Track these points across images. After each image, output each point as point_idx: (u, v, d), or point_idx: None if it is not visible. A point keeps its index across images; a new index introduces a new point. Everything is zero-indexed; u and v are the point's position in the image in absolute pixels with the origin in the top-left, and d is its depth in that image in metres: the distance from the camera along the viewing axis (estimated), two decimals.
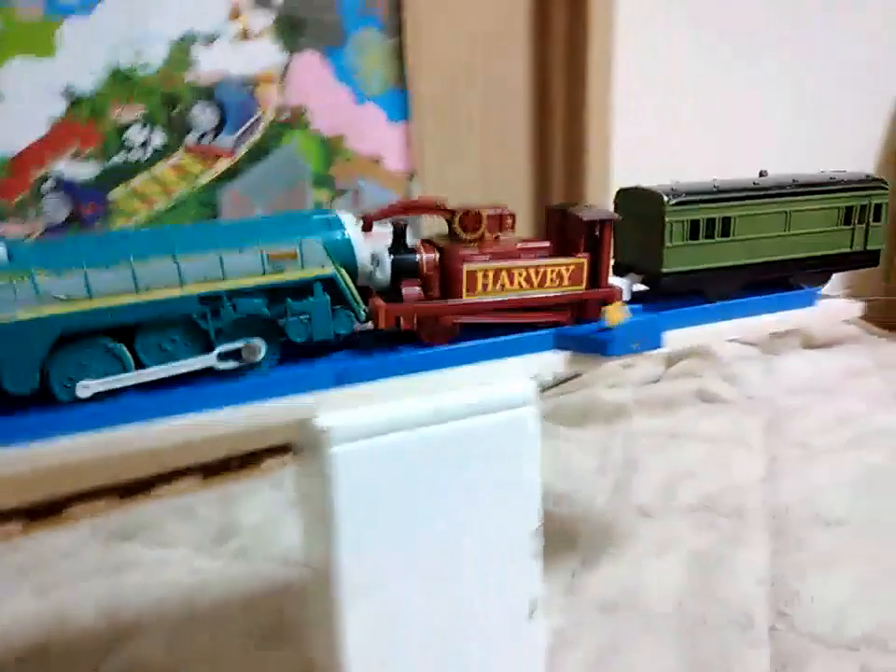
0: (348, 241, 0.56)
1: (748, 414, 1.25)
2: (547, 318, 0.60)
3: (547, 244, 0.59)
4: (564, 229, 0.60)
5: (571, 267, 0.59)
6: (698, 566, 0.87)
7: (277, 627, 0.79)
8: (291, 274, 0.54)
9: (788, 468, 1.09)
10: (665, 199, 0.64)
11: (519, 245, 0.58)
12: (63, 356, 0.49)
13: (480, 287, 0.57)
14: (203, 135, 1.05)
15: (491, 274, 0.57)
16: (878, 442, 1.13)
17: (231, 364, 0.53)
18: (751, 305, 0.68)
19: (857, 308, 0.73)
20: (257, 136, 1.08)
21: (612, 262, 0.64)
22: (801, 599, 0.81)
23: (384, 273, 0.56)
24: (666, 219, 0.64)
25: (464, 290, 0.57)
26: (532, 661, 0.61)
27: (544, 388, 1.30)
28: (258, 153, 1.08)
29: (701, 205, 0.66)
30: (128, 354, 0.50)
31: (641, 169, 1.36)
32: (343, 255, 0.55)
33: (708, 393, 1.30)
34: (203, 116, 1.05)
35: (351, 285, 0.56)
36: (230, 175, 1.06)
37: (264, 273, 0.53)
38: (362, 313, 0.56)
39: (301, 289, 0.54)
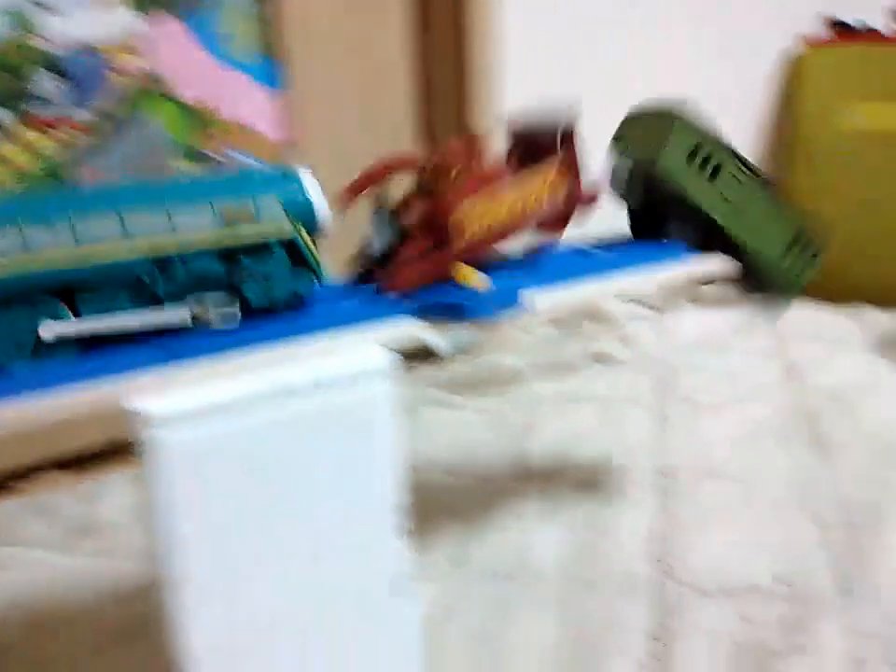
0: (307, 198, 0.53)
1: (640, 374, 1.26)
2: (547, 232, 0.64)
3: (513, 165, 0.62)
4: (530, 146, 0.63)
5: (550, 178, 0.62)
6: (586, 528, 0.88)
7: (135, 626, 0.75)
8: (247, 233, 0.50)
9: (677, 425, 1.11)
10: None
11: (495, 172, 0.59)
12: (2, 318, 0.45)
13: (476, 227, 0.58)
14: (51, 108, 0.96)
15: (482, 211, 0.58)
16: (763, 397, 1.16)
17: (186, 321, 0.50)
18: (623, 261, 0.67)
19: (731, 265, 0.73)
20: (114, 108, 1.00)
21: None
22: (684, 554, 0.83)
23: (382, 241, 0.58)
24: (675, 125, 0.68)
25: (465, 234, 0.57)
26: (404, 640, 0.59)
27: (433, 359, 1.28)
28: (116, 126, 1.01)
29: (705, 139, 0.70)
30: (70, 315, 0.47)
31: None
32: (302, 213, 0.53)
33: (603, 354, 1.31)
34: (52, 87, 0.96)
35: (311, 244, 0.53)
36: (85, 149, 0.99)
37: (218, 232, 0.49)
38: (323, 273, 0.54)
39: (258, 249, 0.51)
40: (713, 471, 0.98)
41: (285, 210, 0.52)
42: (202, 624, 0.48)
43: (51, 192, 0.51)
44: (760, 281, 0.75)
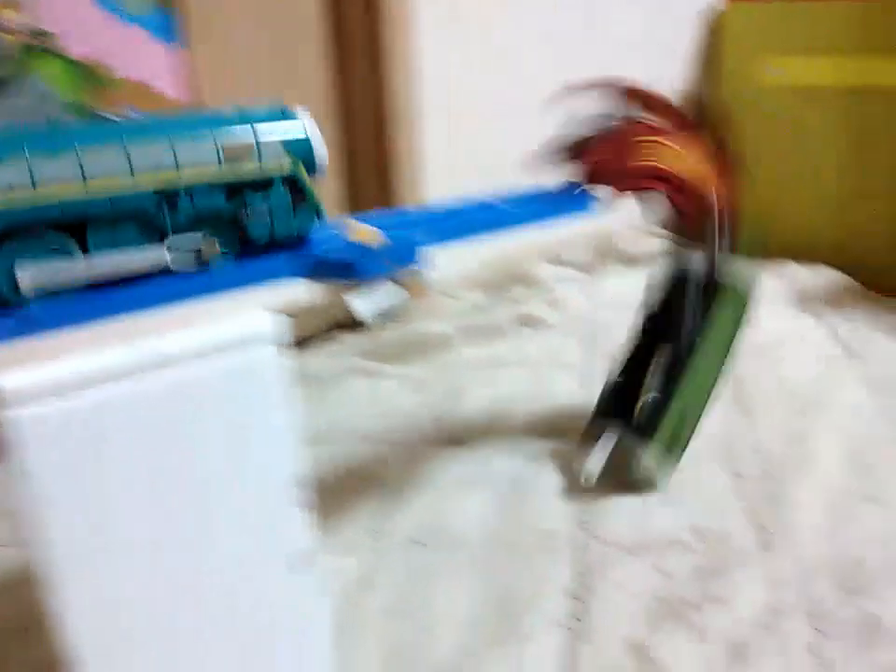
0: (303, 133, 0.54)
1: (568, 336, 1.25)
2: None
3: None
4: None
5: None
6: (508, 491, 0.87)
7: (26, 617, 0.71)
8: (249, 169, 0.52)
9: (600, 383, 1.10)
10: None
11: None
12: (8, 252, 0.45)
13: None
14: None
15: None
16: None
17: (183, 260, 0.50)
18: (527, 215, 0.65)
19: (638, 216, 0.72)
20: None
21: None
22: (606, 512, 0.82)
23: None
24: None
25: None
26: (308, 618, 0.56)
27: (358, 327, 1.25)
28: (0, 85, 0.93)
29: None
30: (79, 251, 0.47)
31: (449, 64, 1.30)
32: (301, 150, 0.54)
33: (532, 318, 1.30)
34: None
35: (309, 180, 0.54)
36: None
37: (220, 167, 0.51)
38: (323, 210, 0.55)
39: (260, 185, 0.52)
40: None
41: (285, 148, 0.53)
42: (81, 612, 0.45)
43: (56, 125, 0.49)
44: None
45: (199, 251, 0.51)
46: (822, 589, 0.69)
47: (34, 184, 0.45)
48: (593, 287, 1.44)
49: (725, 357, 0.84)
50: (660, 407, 0.83)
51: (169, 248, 0.50)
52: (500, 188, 0.72)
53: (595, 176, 0.71)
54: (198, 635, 0.51)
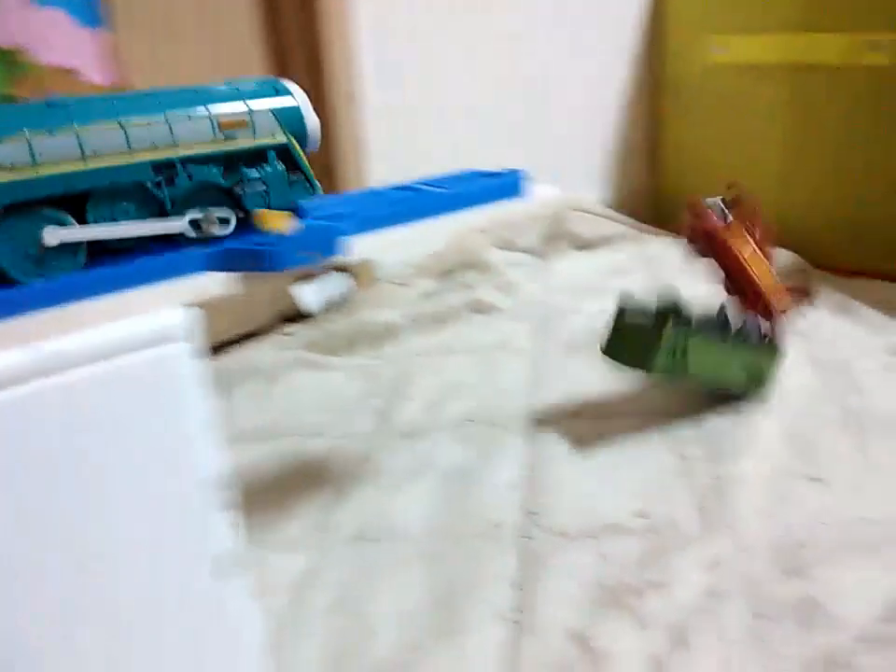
0: (297, 108, 0.56)
1: (519, 321, 1.24)
2: None
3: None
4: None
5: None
6: (455, 482, 0.85)
7: None
8: (244, 142, 0.53)
9: (551, 368, 1.10)
10: None
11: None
12: (10, 228, 0.46)
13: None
14: None
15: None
16: None
17: (189, 232, 0.51)
18: (455, 199, 0.63)
19: (565, 197, 0.70)
20: None
21: None
22: (551, 499, 0.82)
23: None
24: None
25: None
26: (235, 625, 0.54)
27: (304, 319, 1.22)
28: None
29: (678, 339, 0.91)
30: (75, 223, 0.48)
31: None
32: (293, 123, 0.55)
33: (482, 304, 1.28)
34: None
35: (302, 153, 0.56)
36: None
37: (215, 141, 0.52)
38: (317, 182, 0.56)
39: (255, 158, 0.54)
40: (583, 413, 0.97)
41: (277, 121, 0.54)
42: None
43: (53, 102, 0.49)
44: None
45: (199, 224, 0.52)
46: (762, 571, 0.69)
47: (34, 161, 0.45)
48: (545, 271, 1.43)
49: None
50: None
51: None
52: (436, 173, 0.70)
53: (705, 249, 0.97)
54: (113, 652, 0.49)
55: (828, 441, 0.87)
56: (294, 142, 0.55)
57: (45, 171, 0.46)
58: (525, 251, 1.47)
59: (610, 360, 0.95)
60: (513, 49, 1.53)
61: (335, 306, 1.25)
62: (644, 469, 0.85)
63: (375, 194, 0.63)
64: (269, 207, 0.54)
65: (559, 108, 1.63)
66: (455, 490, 0.84)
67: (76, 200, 0.48)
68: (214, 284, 0.50)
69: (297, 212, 0.56)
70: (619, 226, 1.57)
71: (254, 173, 0.53)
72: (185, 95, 0.52)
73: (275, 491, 0.86)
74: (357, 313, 1.24)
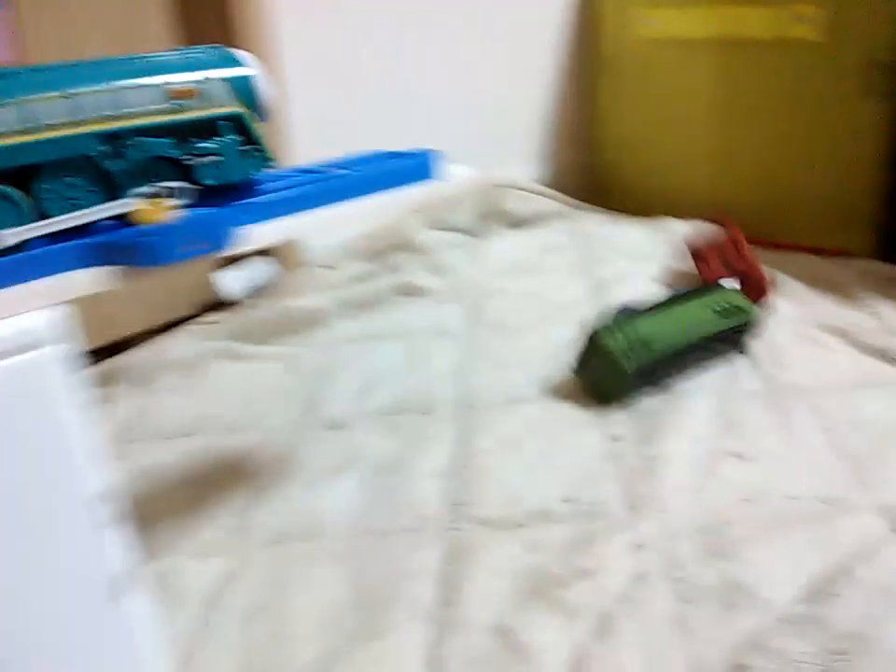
0: (250, 78, 0.54)
1: (450, 304, 1.22)
2: None
3: None
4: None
5: None
6: (381, 475, 0.83)
7: None
8: (195, 112, 0.51)
9: (481, 352, 1.08)
10: None
11: None
12: None
13: None
14: None
15: None
16: (565, 316, 1.14)
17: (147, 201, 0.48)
18: (362, 184, 0.59)
19: (482, 177, 0.67)
20: None
21: None
22: (479, 489, 0.80)
23: None
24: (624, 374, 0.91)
25: None
26: (133, 648, 0.51)
27: (226, 306, 1.17)
28: None
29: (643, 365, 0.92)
30: (27, 199, 0.46)
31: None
32: (246, 93, 0.54)
33: (413, 286, 1.25)
34: None
35: (256, 124, 0.54)
36: None
37: (165, 111, 0.50)
38: (271, 153, 0.55)
39: (207, 130, 0.52)
40: (513, 398, 0.95)
41: (231, 92, 0.52)
42: None
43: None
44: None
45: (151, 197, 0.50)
46: (687, 553, 0.68)
47: None
48: (478, 251, 1.41)
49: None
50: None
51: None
52: (345, 155, 0.67)
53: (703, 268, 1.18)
54: None
55: (752, 416, 0.87)
56: (248, 113, 0.54)
57: None
58: (457, 231, 1.44)
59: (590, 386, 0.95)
60: (444, 25, 1.49)
61: (259, 292, 1.20)
62: (573, 454, 0.84)
63: (276, 178, 0.59)
64: (222, 179, 0.53)
65: (492, 85, 1.60)
66: (381, 483, 0.82)
67: (21, 174, 0.46)
68: (89, 280, 0.46)
69: (249, 185, 0.55)
70: (554, 203, 1.55)
71: (206, 144, 0.52)
72: (132, 64, 0.50)
73: (192, 492, 0.82)
74: (282, 299, 1.19)
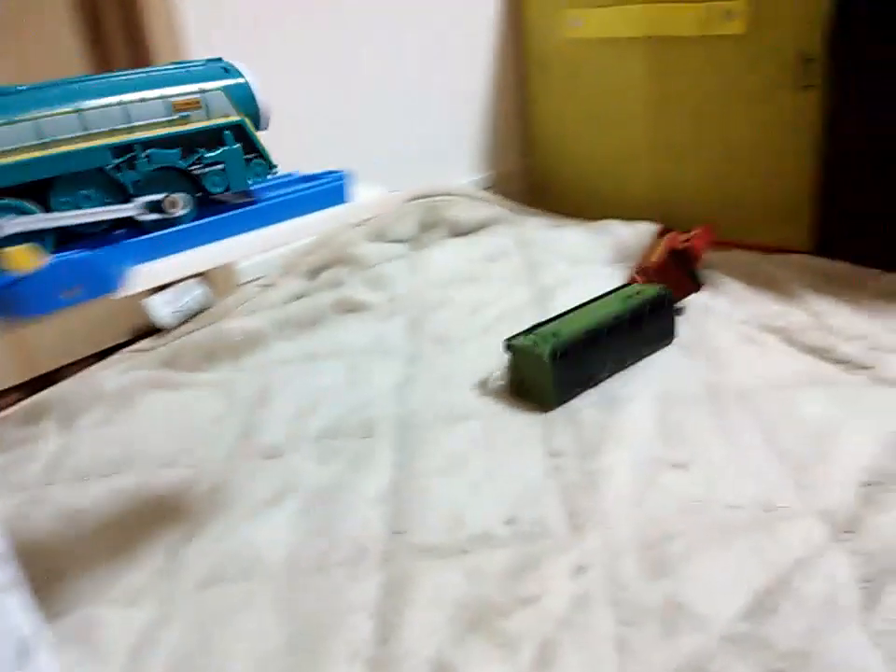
0: (247, 86, 0.57)
1: (391, 318, 1.19)
2: None
3: None
4: None
5: None
6: (318, 505, 0.80)
7: None
8: (198, 123, 0.54)
9: (424, 367, 1.05)
10: None
11: None
12: None
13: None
14: None
15: None
16: (509, 325, 1.12)
17: (152, 216, 0.51)
18: (270, 213, 0.57)
19: (395, 196, 0.65)
20: None
21: None
22: (420, 513, 0.77)
23: None
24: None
25: None
26: None
27: (156, 333, 1.13)
28: None
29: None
30: (43, 211, 0.47)
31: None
32: (245, 101, 0.56)
33: (353, 302, 1.22)
34: None
35: (255, 132, 0.57)
36: None
37: (171, 122, 0.53)
38: (273, 160, 0.58)
39: (211, 140, 0.54)
40: (455, 414, 0.93)
41: (231, 102, 0.55)
42: None
43: (5, 89, 0.48)
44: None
45: (161, 208, 0.52)
46: (629, 572, 0.67)
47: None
48: (420, 262, 1.38)
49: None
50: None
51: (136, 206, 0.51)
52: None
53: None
54: None
55: (692, 422, 0.87)
56: (249, 122, 0.56)
57: (5, 159, 0.45)
58: (398, 242, 1.42)
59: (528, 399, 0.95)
60: (377, 35, 1.46)
61: (193, 316, 1.16)
62: (515, 471, 0.82)
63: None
64: (228, 187, 0.55)
65: (427, 92, 1.58)
66: (317, 514, 0.79)
67: (37, 188, 0.48)
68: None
69: (250, 193, 0.57)
70: (495, 209, 1.54)
71: (212, 154, 0.54)
72: (134, 78, 0.53)
73: (117, 534, 0.78)
74: (217, 321, 1.15)
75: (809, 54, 1.30)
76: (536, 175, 1.76)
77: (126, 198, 0.51)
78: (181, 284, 1.15)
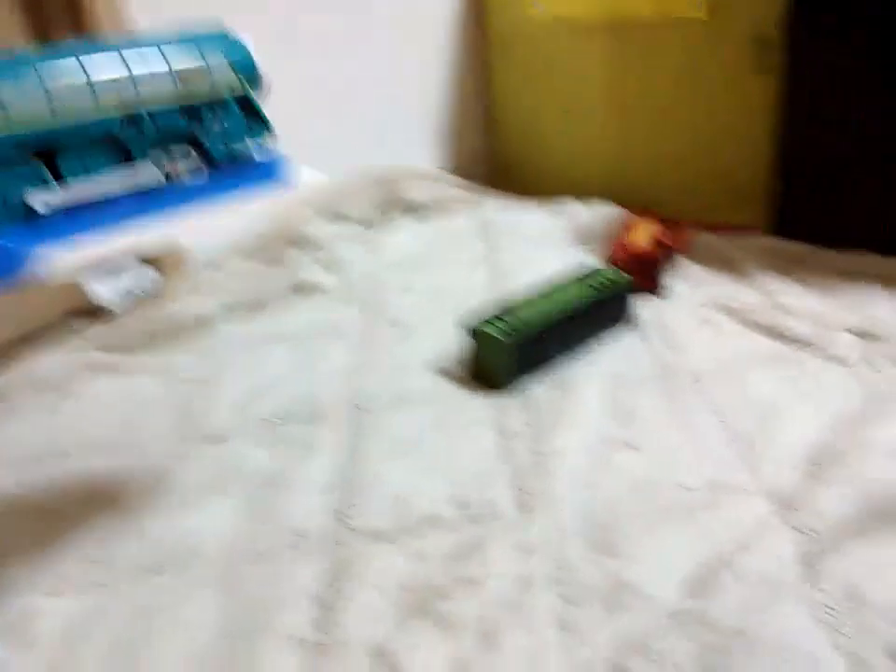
0: (247, 53, 0.58)
1: (344, 301, 1.17)
2: None
3: None
4: None
5: None
6: (262, 491, 0.78)
7: None
8: (202, 89, 0.55)
9: (377, 351, 1.03)
10: None
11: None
12: None
13: None
14: None
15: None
16: (466, 308, 1.09)
17: (158, 178, 0.53)
18: (206, 194, 0.54)
19: (335, 180, 0.63)
20: None
21: None
22: (365, 496, 0.76)
23: None
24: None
25: None
26: None
27: (100, 315, 1.09)
28: None
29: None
30: (52, 179, 0.49)
31: None
32: (245, 68, 0.58)
33: (305, 284, 1.19)
34: None
35: (256, 98, 0.58)
36: None
37: (176, 89, 0.53)
38: (272, 126, 0.60)
39: (216, 106, 0.56)
40: (407, 398, 0.92)
41: (231, 67, 0.56)
42: None
43: (17, 56, 0.49)
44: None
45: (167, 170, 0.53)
46: (575, 553, 0.66)
47: (6, 113, 0.46)
48: (376, 244, 1.36)
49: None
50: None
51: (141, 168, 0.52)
52: None
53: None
54: None
55: (644, 402, 0.86)
56: (248, 87, 0.58)
57: (18, 122, 0.46)
58: (354, 222, 1.39)
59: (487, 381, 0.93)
60: (330, 9, 1.42)
61: (138, 298, 1.12)
62: (467, 454, 0.81)
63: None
64: (230, 152, 0.57)
65: (388, 71, 1.55)
66: (261, 500, 0.76)
67: (48, 152, 0.48)
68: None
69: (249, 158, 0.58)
70: (454, 190, 1.52)
71: (215, 119, 0.56)
72: (143, 44, 0.53)
73: (53, 522, 0.75)
74: (164, 304, 1.12)
75: (767, 38, 1.29)
76: (497, 157, 1.74)
77: (131, 161, 0.52)
78: (126, 265, 1.11)
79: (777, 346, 0.96)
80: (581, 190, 1.46)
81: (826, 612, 0.58)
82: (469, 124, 1.73)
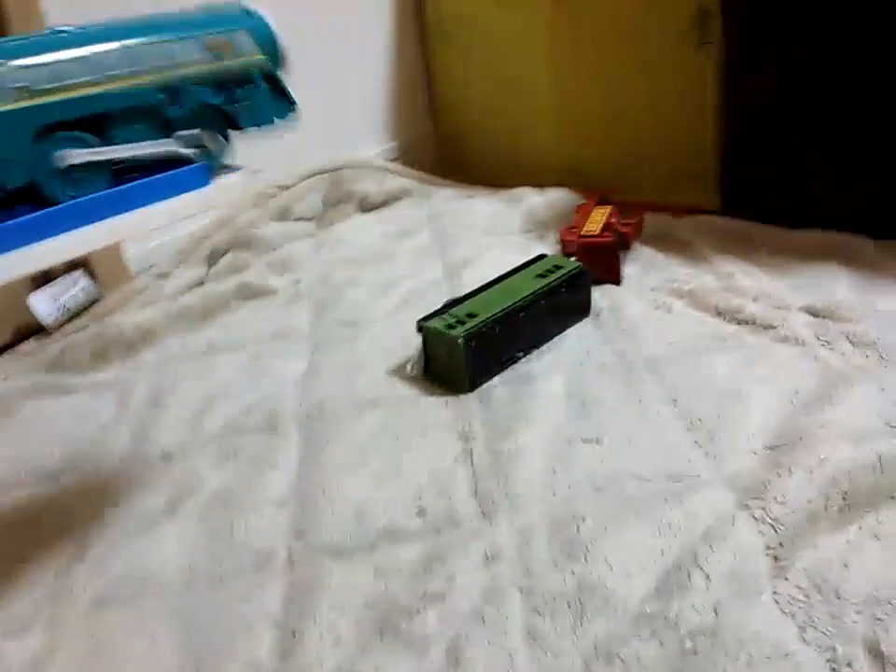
0: (269, 28, 0.60)
1: (296, 303, 1.14)
2: None
3: None
4: None
5: None
6: (215, 510, 0.75)
7: None
8: (231, 63, 0.57)
9: (330, 354, 1.01)
10: None
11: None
12: (42, 148, 0.48)
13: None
14: None
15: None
16: (420, 304, 1.08)
17: (192, 151, 0.54)
18: (121, 200, 0.51)
19: (257, 177, 0.60)
20: None
21: None
22: (324, 510, 0.74)
23: None
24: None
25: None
26: None
27: (38, 333, 1.05)
28: None
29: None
30: (100, 143, 0.51)
31: None
32: (267, 42, 0.59)
33: (254, 288, 1.16)
34: None
35: (279, 72, 0.60)
36: None
37: (207, 62, 0.55)
38: (295, 98, 0.62)
39: (242, 78, 0.58)
40: (362, 402, 0.89)
41: (255, 41, 0.58)
42: None
43: (61, 31, 0.51)
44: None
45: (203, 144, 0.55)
46: (540, 559, 0.65)
47: (63, 85, 0.48)
48: (326, 241, 1.32)
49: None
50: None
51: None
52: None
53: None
54: None
55: (603, 395, 0.85)
56: (272, 63, 0.59)
57: (74, 93, 0.49)
58: (303, 220, 1.36)
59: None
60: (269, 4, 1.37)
61: (78, 313, 1.08)
62: (425, 459, 0.79)
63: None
64: (258, 125, 0.59)
65: (324, 60, 1.50)
66: (217, 519, 0.74)
67: (94, 124, 0.51)
68: None
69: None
70: (404, 181, 1.49)
71: (244, 91, 0.57)
72: (168, 21, 0.55)
73: (1, 557, 0.72)
74: (105, 317, 1.07)
75: (707, 9, 1.28)
76: (443, 142, 1.71)
77: (169, 133, 0.54)
78: (64, 276, 1.06)
79: (732, 329, 0.95)
80: (530, 173, 1.45)
81: (797, 606, 0.57)
82: (414, 110, 1.70)
